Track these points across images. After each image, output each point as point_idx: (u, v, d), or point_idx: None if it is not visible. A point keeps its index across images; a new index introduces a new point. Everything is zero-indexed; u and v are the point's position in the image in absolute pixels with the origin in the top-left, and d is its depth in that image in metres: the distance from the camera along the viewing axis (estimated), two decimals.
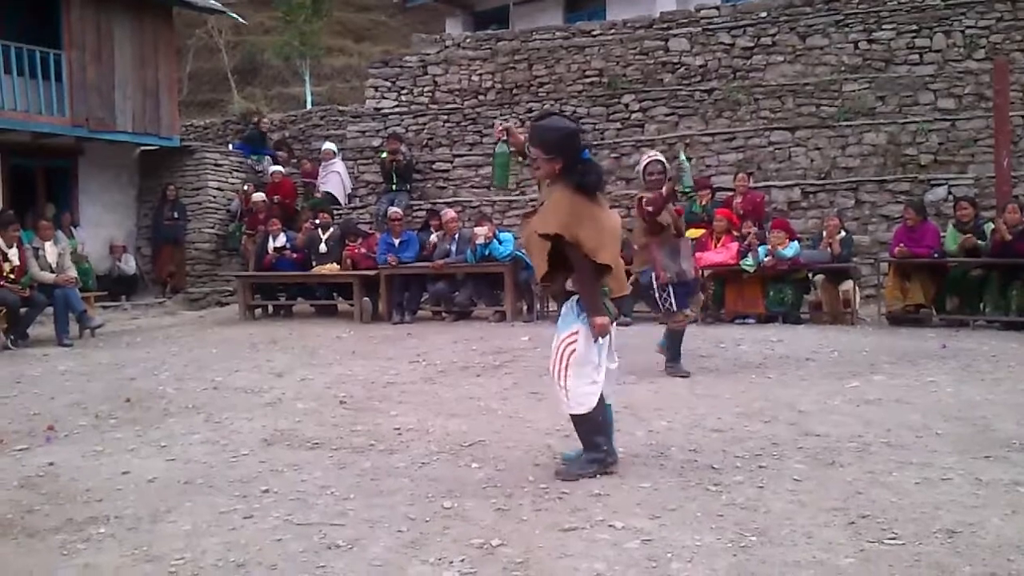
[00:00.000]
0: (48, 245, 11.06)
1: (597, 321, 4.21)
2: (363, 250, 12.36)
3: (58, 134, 14.67)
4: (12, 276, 10.40)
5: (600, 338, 4.27)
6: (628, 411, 5.84)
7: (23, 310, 10.48)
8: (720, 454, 4.79)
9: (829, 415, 5.63)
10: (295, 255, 12.86)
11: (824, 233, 10.57)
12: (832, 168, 12.99)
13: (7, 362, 9.15)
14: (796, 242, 10.51)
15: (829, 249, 10.35)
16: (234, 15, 19.22)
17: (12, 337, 10.36)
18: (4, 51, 13.74)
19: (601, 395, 4.33)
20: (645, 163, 7.33)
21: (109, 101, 15.15)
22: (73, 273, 11.11)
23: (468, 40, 16.98)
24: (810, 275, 10.72)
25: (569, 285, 4.34)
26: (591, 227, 4.16)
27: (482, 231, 11.52)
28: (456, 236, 11.90)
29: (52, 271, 10.82)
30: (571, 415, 4.38)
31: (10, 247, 10.55)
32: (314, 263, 12.84)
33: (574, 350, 4.26)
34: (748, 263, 10.31)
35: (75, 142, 15.26)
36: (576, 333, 4.28)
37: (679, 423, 5.53)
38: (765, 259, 10.27)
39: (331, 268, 12.52)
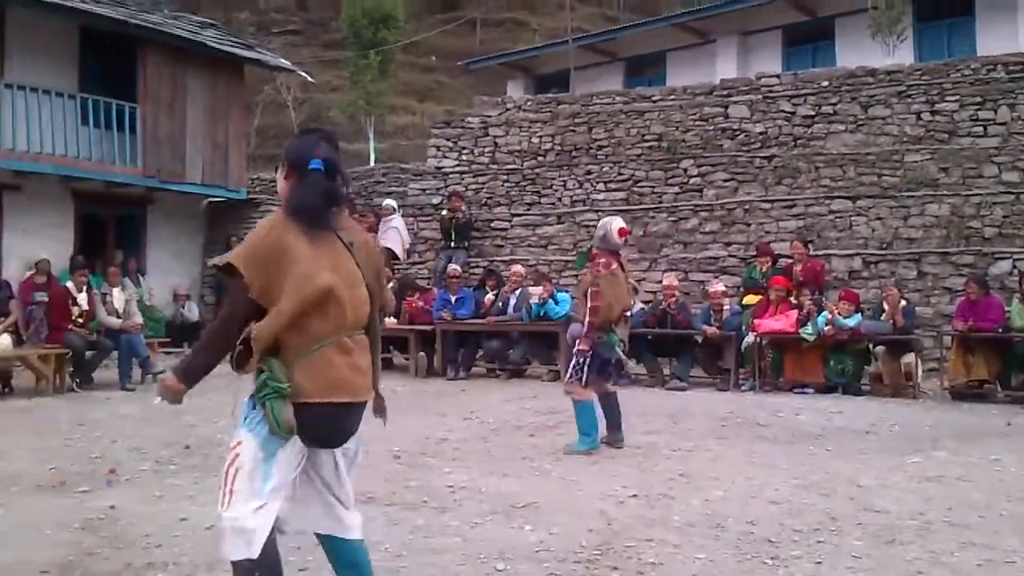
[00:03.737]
0: (116, 291, 11.36)
1: (167, 381, 2.96)
2: (420, 304, 12.48)
3: (130, 184, 15.13)
4: (80, 320, 10.70)
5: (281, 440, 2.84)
6: (684, 479, 5.80)
7: (89, 354, 10.76)
8: (777, 527, 4.71)
9: (889, 491, 5.52)
10: None
11: (885, 304, 10.42)
12: (894, 238, 12.84)
13: (71, 404, 9.38)
14: (858, 312, 10.38)
15: (891, 320, 10.20)
16: (303, 73, 19.77)
17: (77, 380, 10.64)
18: (83, 104, 14.27)
19: (272, 545, 2.92)
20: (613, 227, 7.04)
21: (180, 153, 15.61)
22: (139, 319, 11.38)
23: (529, 103, 17.22)
24: (871, 346, 10.55)
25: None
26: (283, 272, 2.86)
27: (538, 290, 11.59)
28: (518, 292, 11.96)
29: (119, 317, 11.10)
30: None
31: (80, 292, 10.87)
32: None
33: (237, 469, 2.88)
34: (808, 331, 10.19)
35: (146, 192, 15.72)
36: (238, 444, 2.91)
37: (735, 493, 5.46)
38: (825, 328, 10.15)
39: (388, 322, 12.63)
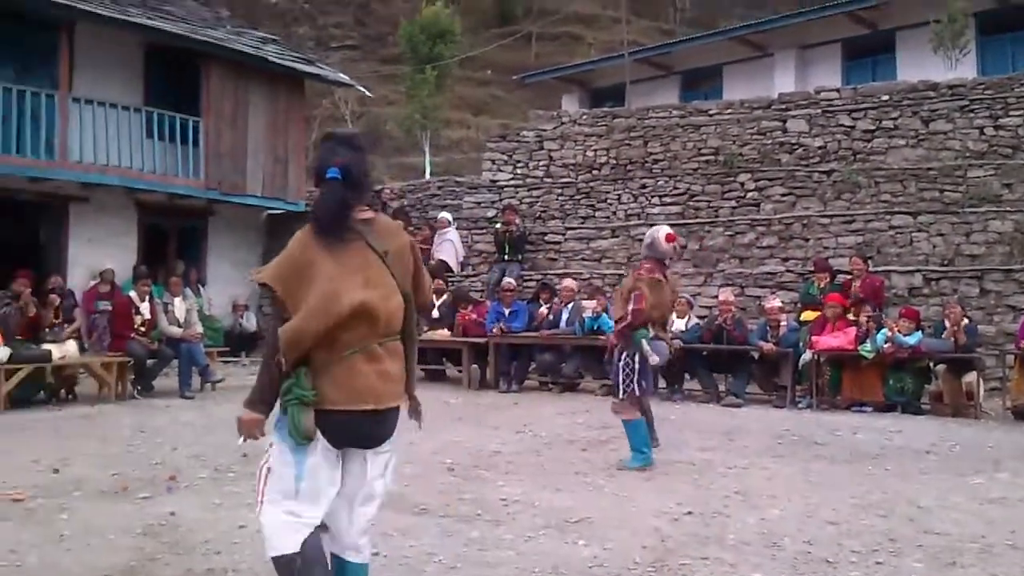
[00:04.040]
0: (177, 301, 11.57)
1: (242, 418, 3.04)
2: (474, 317, 12.54)
3: (192, 196, 15.44)
4: (143, 329, 10.93)
5: (303, 444, 2.90)
6: (740, 497, 5.74)
7: (150, 362, 10.99)
8: (835, 547, 4.65)
9: (950, 512, 5.41)
10: None
11: (947, 322, 10.22)
12: (955, 255, 12.59)
13: (133, 411, 9.58)
14: (919, 330, 10.19)
15: (952, 338, 9.99)
16: (361, 88, 20.03)
17: (138, 387, 10.86)
18: (148, 117, 14.62)
19: (315, 542, 2.98)
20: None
21: (241, 166, 15.90)
22: (199, 329, 11.60)
23: (584, 117, 17.23)
24: (931, 364, 10.35)
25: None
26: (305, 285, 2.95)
27: (591, 304, 11.57)
28: (571, 306, 11.95)
29: (180, 326, 11.31)
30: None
31: (142, 301, 11.10)
32: (425, 328, 13.07)
33: (269, 468, 3.03)
34: (867, 349, 10.03)
35: (207, 204, 16.03)
36: (271, 446, 3.05)
37: (792, 512, 5.39)
38: (885, 345, 9.98)
39: (442, 334, 12.72)
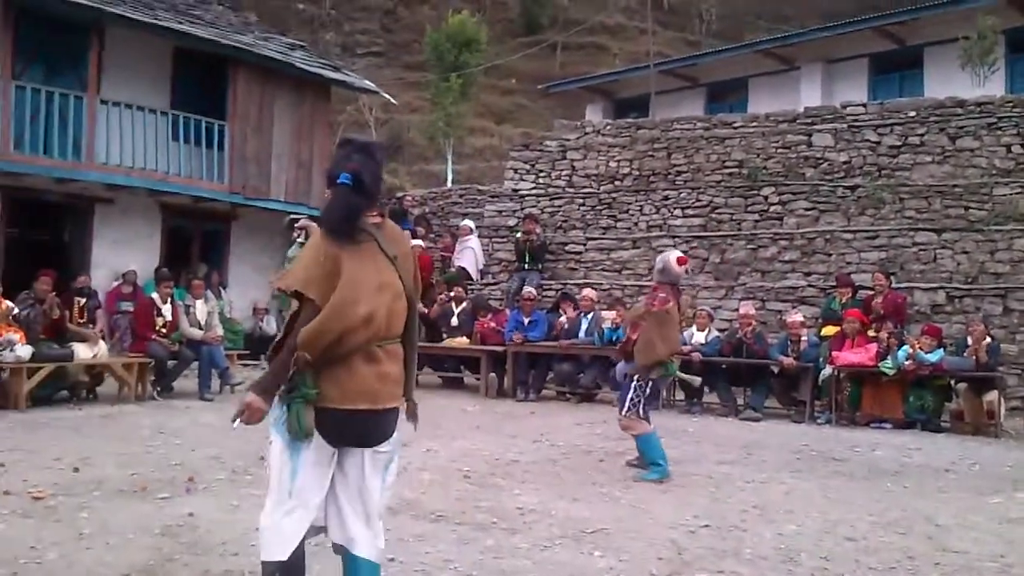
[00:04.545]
0: (199, 303, 11.64)
1: (251, 403, 3.04)
2: (492, 325, 12.54)
3: (216, 199, 15.54)
4: (164, 331, 11.00)
5: (303, 442, 2.97)
6: (757, 511, 5.71)
7: (171, 363, 11.06)
8: (853, 563, 4.63)
9: (969, 531, 5.37)
10: None
11: (969, 339, 10.14)
12: (979, 273, 12.49)
13: (152, 412, 9.65)
14: (940, 347, 10.12)
15: (974, 356, 9.91)
16: (386, 95, 20.11)
17: (159, 389, 10.93)
18: (174, 120, 14.74)
19: (299, 552, 3.09)
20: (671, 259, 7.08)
21: (265, 170, 15.99)
22: (220, 331, 11.67)
23: (608, 127, 17.22)
24: (952, 382, 10.28)
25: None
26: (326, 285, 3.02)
27: (610, 315, 11.56)
28: (590, 316, 11.94)
29: (200, 328, 11.38)
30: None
31: (164, 303, 11.19)
32: (444, 335, 13.12)
33: (270, 467, 3.13)
34: (888, 365, 9.97)
35: (230, 207, 16.12)
36: (271, 442, 3.12)
37: (810, 528, 5.36)
38: (906, 362, 9.91)
39: (461, 342, 12.74)
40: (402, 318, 3.11)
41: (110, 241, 14.72)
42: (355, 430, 3.03)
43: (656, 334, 6.79)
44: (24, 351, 9.46)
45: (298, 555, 3.08)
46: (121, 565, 4.24)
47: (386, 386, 3.04)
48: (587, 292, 12.62)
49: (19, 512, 5.14)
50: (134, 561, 4.30)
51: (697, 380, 6.47)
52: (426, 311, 13.03)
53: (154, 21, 14.13)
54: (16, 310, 9.79)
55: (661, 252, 7.64)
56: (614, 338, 11.30)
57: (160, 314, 11.12)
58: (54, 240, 15.86)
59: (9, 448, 7.15)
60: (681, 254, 7.16)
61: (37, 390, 9.72)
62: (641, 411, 6.84)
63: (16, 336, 9.46)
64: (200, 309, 11.60)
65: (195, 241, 16.41)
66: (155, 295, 11.37)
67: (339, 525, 3.12)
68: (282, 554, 3.02)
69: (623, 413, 6.88)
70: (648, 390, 6.86)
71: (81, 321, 11.23)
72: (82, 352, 10.19)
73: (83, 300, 11.81)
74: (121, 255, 14.50)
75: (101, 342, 10.73)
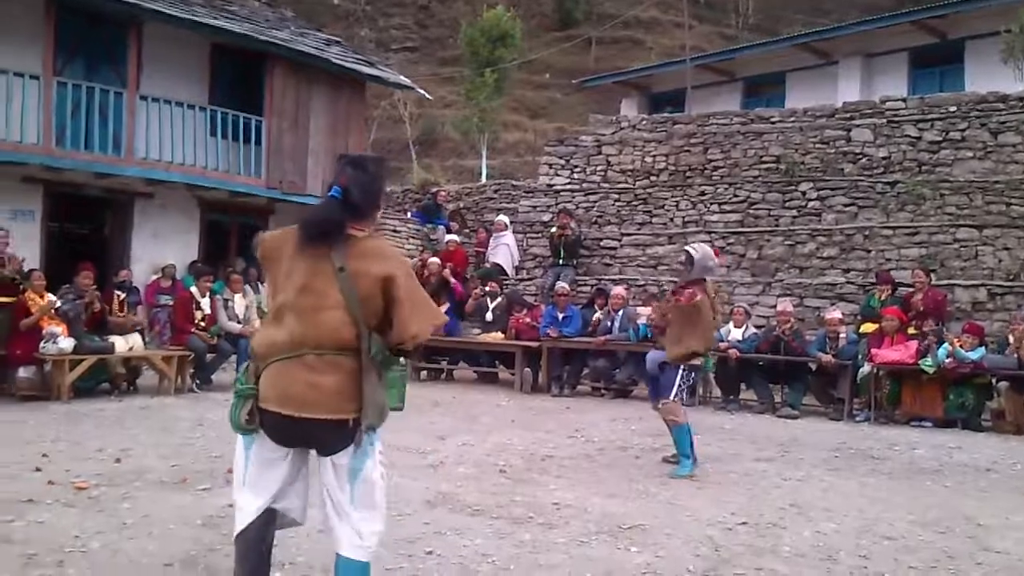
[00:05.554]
0: (238, 297, 11.76)
1: None
2: (527, 320, 12.54)
3: (253, 194, 15.66)
4: (203, 324, 11.13)
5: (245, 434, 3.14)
6: (795, 509, 5.67)
7: (209, 356, 11.17)
8: (892, 562, 4.58)
9: (1011, 531, 5.30)
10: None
11: (1011, 337, 9.99)
12: (1021, 270, 12.29)
13: (192, 404, 9.75)
14: (981, 346, 9.97)
15: (1016, 355, 9.76)
16: (421, 91, 20.15)
17: (197, 381, 11.05)
18: (212, 116, 14.88)
19: (256, 531, 3.17)
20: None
21: (302, 166, 16.10)
22: (258, 325, 11.75)
23: (644, 122, 17.15)
24: (994, 381, 10.13)
25: None
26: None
27: (646, 311, 11.50)
28: (620, 313, 11.90)
29: (239, 322, 11.48)
30: None
31: (203, 297, 11.31)
32: (478, 331, 13.15)
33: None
34: (928, 363, 9.84)
35: (267, 202, 16.24)
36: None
37: (848, 526, 5.31)
38: (946, 360, 9.78)
39: (495, 337, 12.75)
40: (337, 329, 3.01)
41: (149, 235, 14.88)
42: (286, 433, 3.06)
43: (685, 329, 6.76)
44: (66, 344, 9.63)
45: (255, 537, 3.15)
46: (164, 555, 4.30)
47: (317, 395, 2.97)
48: (617, 290, 12.55)
49: (63, 502, 5.22)
50: (176, 551, 4.35)
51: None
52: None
53: (192, 17, 14.25)
54: (58, 303, 9.94)
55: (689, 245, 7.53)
56: (649, 334, 11.26)
57: (199, 308, 11.25)
58: (94, 234, 16.08)
59: (52, 439, 7.27)
60: (711, 247, 7.15)
61: (79, 382, 9.87)
62: (685, 399, 6.82)
63: (59, 329, 9.64)
64: (239, 303, 11.72)
65: (233, 235, 16.55)
66: (194, 289, 11.50)
67: (325, 523, 3.16)
68: (236, 530, 3.16)
69: (670, 397, 6.81)
70: (692, 381, 6.85)
71: (121, 315, 11.36)
72: (120, 345, 10.33)
73: (123, 295, 11.95)
74: (160, 249, 14.66)
75: (136, 335, 10.86)
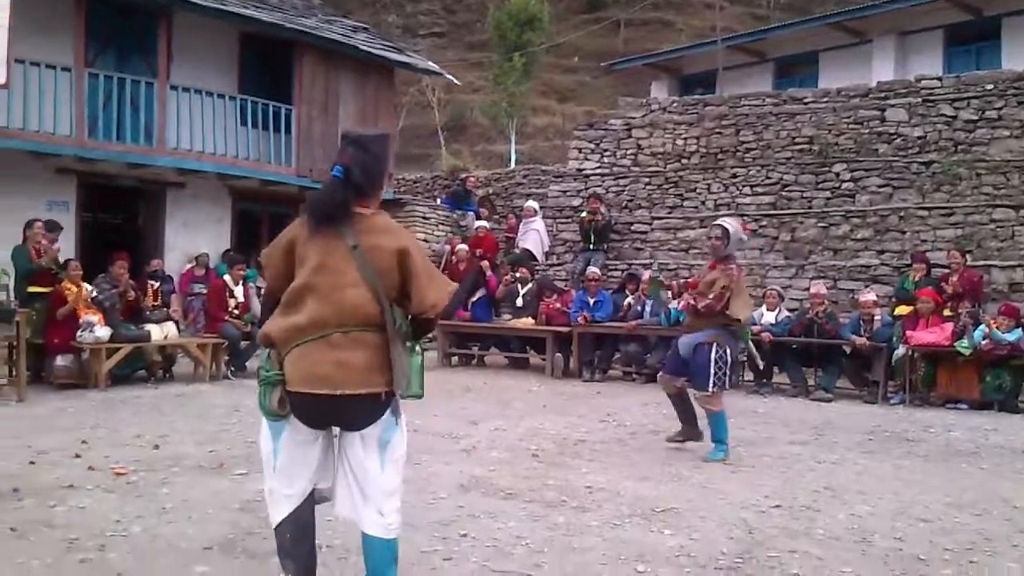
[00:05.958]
0: None
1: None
2: (558, 306, 12.54)
3: (284, 182, 15.75)
4: (236, 312, 11.24)
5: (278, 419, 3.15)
6: (829, 492, 5.65)
7: (243, 344, 11.28)
8: (927, 544, 4.55)
9: None
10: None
11: None
12: None
13: (227, 391, 9.87)
14: (1018, 327, 9.84)
15: None
16: (449, 76, 20.12)
17: (232, 368, 11.17)
18: (242, 105, 14.96)
19: (303, 517, 3.24)
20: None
21: (331, 154, 15.92)
22: None
23: (675, 104, 17.01)
24: None
25: None
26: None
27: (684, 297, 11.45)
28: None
29: None
30: None
31: (236, 284, 11.41)
32: (509, 316, 13.18)
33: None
34: (964, 345, 9.73)
35: (298, 190, 16.30)
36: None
37: (883, 509, 5.27)
38: (982, 342, 9.67)
39: (526, 322, 12.76)
40: (362, 307, 3.06)
41: (181, 224, 15.01)
42: (318, 413, 3.10)
43: (739, 301, 6.75)
44: (103, 332, 9.77)
45: (303, 523, 3.22)
46: (203, 539, 4.36)
47: (346, 372, 3.02)
48: (646, 275, 12.51)
49: (103, 487, 5.31)
50: (215, 535, 4.42)
51: (762, 363, 6.38)
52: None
53: (221, 6, 14.32)
54: (95, 293, 10.08)
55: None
56: (681, 318, 11.21)
57: (232, 296, 11.36)
58: (128, 224, 16.24)
59: (91, 426, 7.40)
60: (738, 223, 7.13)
61: (116, 370, 10.02)
62: (727, 384, 6.81)
63: (95, 318, 9.79)
64: None
65: (264, 224, 16.64)
66: (228, 277, 11.60)
67: (350, 503, 3.18)
68: (279, 517, 3.20)
69: (711, 388, 6.71)
70: (730, 360, 6.78)
71: (155, 304, 11.50)
72: (155, 333, 10.47)
73: (156, 284, 12.08)
74: (192, 238, 14.78)
75: (170, 323, 10.99)
